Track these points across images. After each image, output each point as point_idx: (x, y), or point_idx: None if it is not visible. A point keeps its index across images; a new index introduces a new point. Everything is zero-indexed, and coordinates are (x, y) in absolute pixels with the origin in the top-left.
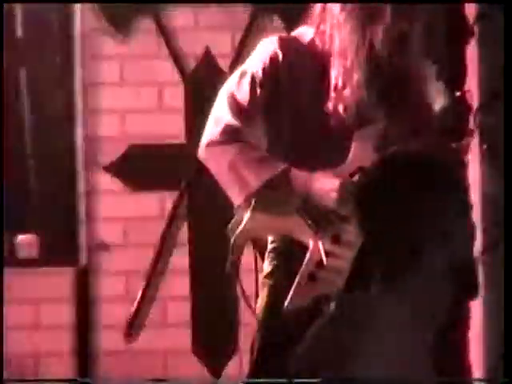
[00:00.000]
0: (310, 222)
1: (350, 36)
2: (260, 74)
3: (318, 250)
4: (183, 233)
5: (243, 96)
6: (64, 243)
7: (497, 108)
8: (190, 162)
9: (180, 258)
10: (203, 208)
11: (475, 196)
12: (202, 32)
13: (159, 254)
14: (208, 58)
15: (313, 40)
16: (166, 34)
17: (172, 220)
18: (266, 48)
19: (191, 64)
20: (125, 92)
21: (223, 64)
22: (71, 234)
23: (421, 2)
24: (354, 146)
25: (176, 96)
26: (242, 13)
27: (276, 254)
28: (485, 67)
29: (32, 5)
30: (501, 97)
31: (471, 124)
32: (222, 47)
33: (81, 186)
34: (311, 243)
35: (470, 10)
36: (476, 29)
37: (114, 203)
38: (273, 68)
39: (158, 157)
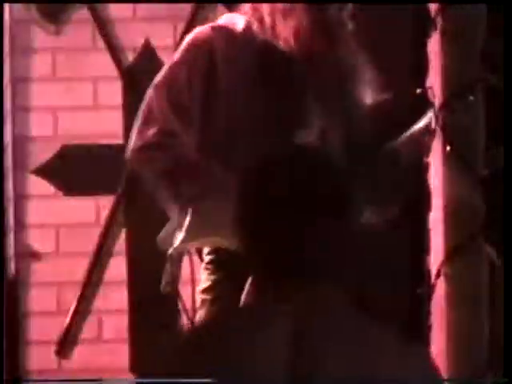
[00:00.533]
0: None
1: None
2: (193, 65)
3: None
4: (121, 241)
5: (176, 92)
6: None
7: (463, 106)
8: (128, 164)
9: (117, 269)
10: (142, 214)
11: (438, 200)
12: (141, 23)
13: (94, 263)
14: (148, 51)
15: (247, 28)
16: (101, 24)
17: (108, 227)
18: (198, 38)
19: (129, 57)
20: (57, 88)
21: (165, 57)
22: None
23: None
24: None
25: (113, 92)
26: (184, 2)
27: (215, 267)
28: (449, 62)
29: None
30: (467, 95)
31: (433, 123)
32: (163, 39)
33: (9, 190)
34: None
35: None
36: (439, 20)
37: (45, 208)
38: (206, 59)
39: (94, 158)
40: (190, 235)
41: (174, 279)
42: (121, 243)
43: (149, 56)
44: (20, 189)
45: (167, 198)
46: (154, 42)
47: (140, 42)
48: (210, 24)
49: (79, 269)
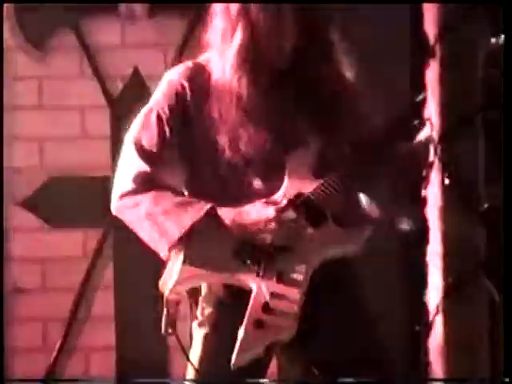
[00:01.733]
0: (248, 262)
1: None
2: (166, 110)
3: (262, 292)
4: (108, 275)
5: (151, 137)
6: None
7: (462, 137)
8: None
9: (104, 303)
10: (130, 247)
11: (436, 233)
12: (131, 50)
13: (81, 298)
14: (137, 79)
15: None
16: (89, 51)
17: (95, 261)
18: (171, 81)
19: (118, 86)
20: (43, 117)
21: (154, 86)
22: None
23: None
24: (288, 172)
25: (101, 122)
26: (175, 28)
27: (211, 301)
28: (448, 92)
29: None
30: (466, 126)
31: (431, 155)
32: (153, 67)
33: None
34: (254, 286)
35: (432, 26)
36: (437, 48)
37: (30, 241)
38: (180, 102)
39: (81, 190)
40: (181, 279)
41: (173, 322)
42: (108, 277)
43: (138, 84)
44: (5, 221)
45: (155, 239)
46: (143, 70)
47: (129, 69)
48: (185, 64)
49: (65, 304)
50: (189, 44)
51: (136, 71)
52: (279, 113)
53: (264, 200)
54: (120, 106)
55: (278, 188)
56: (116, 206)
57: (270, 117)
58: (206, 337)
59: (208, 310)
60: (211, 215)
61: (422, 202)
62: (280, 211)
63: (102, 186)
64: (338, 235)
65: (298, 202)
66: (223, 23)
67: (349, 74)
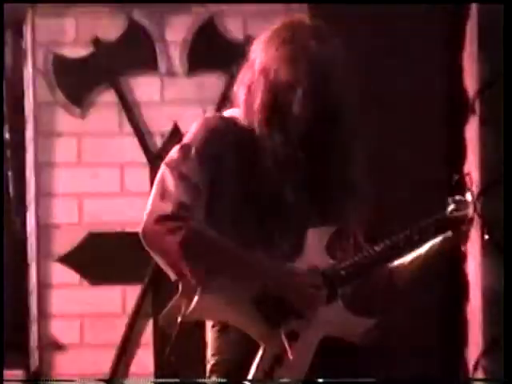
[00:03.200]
0: (268, 316)
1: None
2: (204, 147)
3: (276, 345)
4: (147, 332)
5: (189, 171)
6: (13, 343)
7: (501, 194)
8: None
9: (144, 361)
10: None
11: (475, 291)
12: (170, 106)
13: (120, 355)
14: (176, 135)
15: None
16: (128, 107)
17: (135, 317)
18: (207, 124)
19: (157, 142)
20: (82, 173)
21: None
22: (21, 333)
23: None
24: (307, 244)
25: (140, 178)
26: (213, 85)
27: (220, 344)
28: (487, 148)
29: None
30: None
31: (471, 212)
32: (192, 123)
33: (32, 279)
34: (263, 338)
35: (472, 82)
36: (477, 105)
37: (69, 298)
38: (215, 143)
39: (120, 246)
40: (196, 313)
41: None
42: (147, 334)
43: (177, 141)
44: (44, 278)
45: (180, 271)
46: (183, 126)
47: (168, 126)
48: (218, 114)
49: (105, 361)
50: (227, 100)
51: (175, 127)
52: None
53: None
54: (160, 162)
55: (297, 254)
56: (150, 229)
57: (292, 177)
58: (218, 366)
59: (219, 356)
60: (240, 259)
61: (463, 258)
62: (312, 279)
63: (141, 242)
64: (342, 318)
65: (324, 274)
66: (247, 77)
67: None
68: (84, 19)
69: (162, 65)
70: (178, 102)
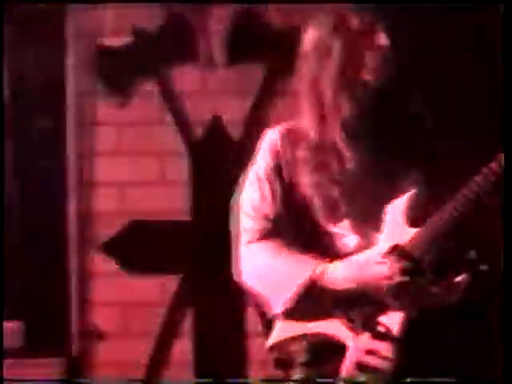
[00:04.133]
0: (350, 319)
1: None
2: (269, 171)
3: (359, 349)
4: (187, 321)
5: (260, 197)
6: (53, 331)
7: None
8: (195, 241)
9: (183, 349)
10: (209, 293)
11: None
12: (210, 96)
13: (160, 344)
14: (216, 126)
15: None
16: (169, 97)
17: (174, 306)
18: (271, 141)
19: (198, 132)
20: (123, 162)
21: (234, 132)
22: (62, 321)
23: None
24: (386, 224)
25: (180, 168)
26: (254, 75)
27: (307, 358)
28: None
29: (18, 66)
30: None
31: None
32: (233, 113)
33: (73, 267)
34: (350, 343)
35: None
36: None
37: (109, 286)
38: (278, 162)
39: (160, 235)
40: (277, 336)
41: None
42: (187, 323)
43: (217, 131)
44: (85, 266)
45: (270, 296)
46: (223, 117)
47: (208, 116)
48: (281, 126)
49: (144, 349)
50: (268, 91)
51: (216, 118)
52: (376, 168)
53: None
54: (200, 151)
55: (373, 241)
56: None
57: (368, 174)
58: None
59: (304, 368)
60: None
61: None
62: (393, 269)
63: (181, 230)
64: (435, 286)
65: (397, 255)
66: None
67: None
68: (125, 9)
69: (203, 55)
70: (218, 91)
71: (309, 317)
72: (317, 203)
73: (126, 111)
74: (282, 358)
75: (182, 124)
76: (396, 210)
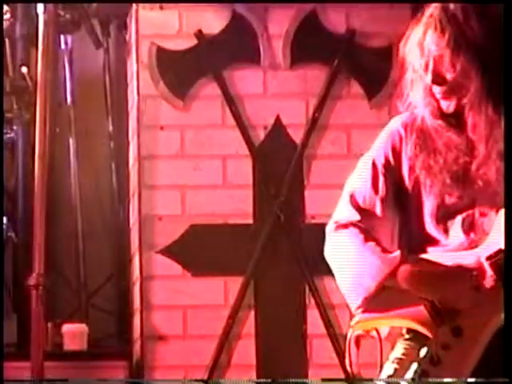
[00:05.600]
0: (433, 313)
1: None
2: (383, 160)
3: (436, 343)
4: (249, 323)
5: (365, 187)
6: (116, 333)
7: None
8: (257, 244)
9: (245, 352)
10: (272, 296)
11: None
12: (272, 99)
13: (222, 346)
14: (279, 128)
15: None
16: (231, 100)
17: (237, 309)
18: (391, 130)
19: (260, 135)
20: (185, 165)
21: (296, 135)
22: (124, 324)
23: None
24: (495, 227)
25: (243, 171)
26: (316, 78)
27: (407, 341)
28: None
29: (83, 67)
30: None
31: None
32: (295, 116)
33: (135, 270)
34: (429, 335)
35: None
36: None
37: (172, 289)
38: (396, 152)
39: (222, 238)
40: (365, 319)
41: (354, 360)
42: (249, 325)
43: (280, 134)
44: (147, 269)
45: (351, 290)
46: (285, 119)
47: (271, 119)
48: (402, 117)
49: (206, 351)
50: (330, 93)
51: (278, 120)
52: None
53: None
54: (262, 154)
55: (478, 241)
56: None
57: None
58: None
59: (402, 350)
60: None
61: None
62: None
63: (243, 233)
64: None
65: (497, 260)
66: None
67: None
68: (187, 12)
69: (265, 57)
70: (280, 94)
71: (393, 305)
72: (428, 195)
73: (189, 114)
74: (364, 335)
75: (244, 127)
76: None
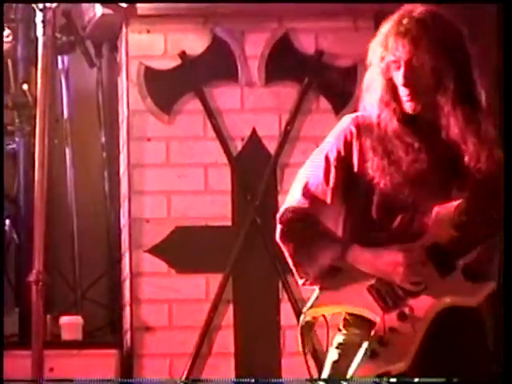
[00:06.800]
0: (378, 299)
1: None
2: (335, 153)
3: (383, 327)
4: (228, 316)
5: (316, 177)
6: (108, 325)
7: None
8: (235, 244)
9: (225, 342)
10: (249, 291)
11: None
12: (249, 113)
13: (203, 336)
14: (255, 140)
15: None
16: (212, 114)
17: (217, 303)
18: (343, 127)
19: (238, 146)
20: (170, 173)
21: (270, 146)
22: (115, 316)
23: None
24: (432, 223)
25: (222, 178)
26: (288, 94)
27: (348, 327)
28: None
29: (78, 84)
30: None
31: None
32: (269, 129)
33: (125, 268)
34: (378, 320)
35: None
36: None
37: (158, 285)
38: (347, 147)
39: (204, 239)
40: (316, 304)
41: (308, 343)
42: (228, 317)
43: (255, 145)
44: (136, 267)
45: (298, 268)
46: (260, 132)
47: (247, 131)
48: (353, 115)
49: (189, 341)
50: (301, 108)
51: (254, 132)
52: (431, 168)
53: (398, 245)
54: (239, 163)
55: (420, 235)
56: (285, 214)
57: (424, 171)
58: (336, 360)
59: (344, 337)
60: (344, 255)
61: None
62: (410, 258)
63: (223, 234)
64: (461, 286)
65: (429, 250)
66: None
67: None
68: (172, 35)
69: (242, 76)
70: (256, 109)
71: (344, 290)
72: (379, 193)
73: (173, 127)
74: (312, 322)
75: (224, 138)
76: (443, 212)
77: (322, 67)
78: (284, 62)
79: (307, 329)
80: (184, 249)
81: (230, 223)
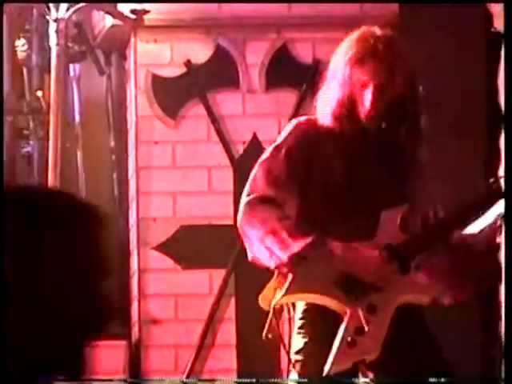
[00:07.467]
0: (348, 293)
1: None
2: (294, 148)
3: (357, 318)
4: (231, 309)
5: (278, 168)
6: (117, 318)
7: None
8: (237, 241)
9: (227, 334)
10: (250, 285)
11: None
12: (250, 118)
13: (207, 328)
14: (255, 144)
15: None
16: (215, 119)
17: (220, 297)
18: (298, 126)
19: (239, 149)
20: (176, 175)
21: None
22: (124, 310)
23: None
24: (381, 224)
25: (224, 180)
26: (287, 100)
27: (306, 330)
28: None
29: (89, 91)
30: None
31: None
32: (269, 133)
33: (133, 264)
34: (348, 312)
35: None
36: None
37: (164, 280)
38: (304, 143)
39: (207, 237)
40: (289, 293)
41: (276, 327)
42: (230, 311)
43: (256, 148)
44: (143, 263)
45: (266, 256)
46: (261, 136)
47: (248, 135)
48: (304, 117)
49: (194, 333)
50: (298, 114)
51: (254, 137)
52: (374, 172)
53: (367, 242)
54: (241, 165)
55: (371, 235)
56: (241, 211)
57: (367, 172)
58: (301, 364)
59: (304, 340)
60: (317, 245)
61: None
62: (382, 256)
63: (225, 233)
64: (415, 285)
65: (393, 250)
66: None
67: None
68: (178, 44)
69: (244, 83)
70: (256, 114)
71: (311, 285)
72: (330, 192)
73: (179, 131)
74: (281, 308)
75: (226, 142)
76: (391, 216)
77: (318, 75)
78: (283, 70)
79: (276, 315)
80: (189, 246)
81: (232, 222)
